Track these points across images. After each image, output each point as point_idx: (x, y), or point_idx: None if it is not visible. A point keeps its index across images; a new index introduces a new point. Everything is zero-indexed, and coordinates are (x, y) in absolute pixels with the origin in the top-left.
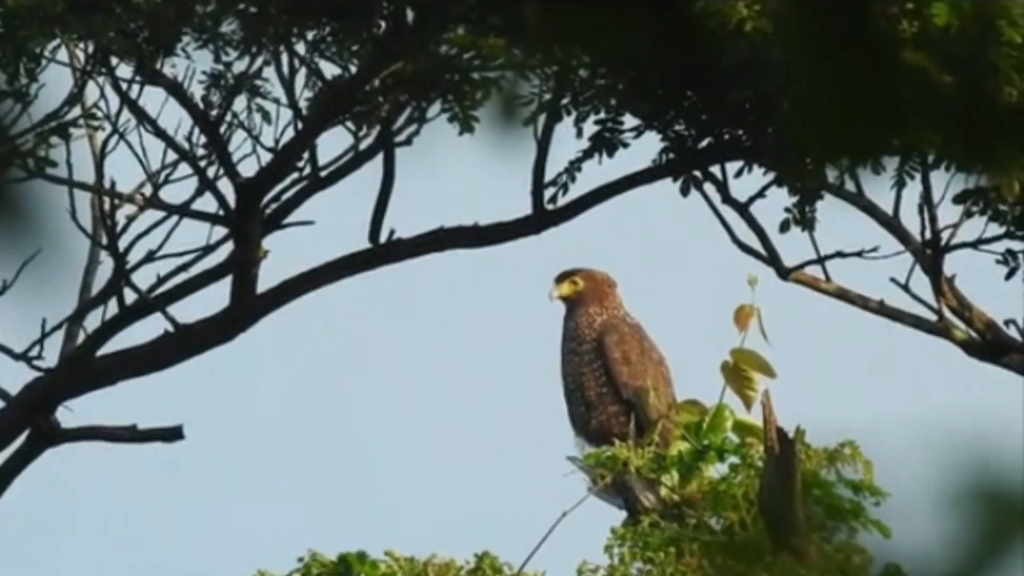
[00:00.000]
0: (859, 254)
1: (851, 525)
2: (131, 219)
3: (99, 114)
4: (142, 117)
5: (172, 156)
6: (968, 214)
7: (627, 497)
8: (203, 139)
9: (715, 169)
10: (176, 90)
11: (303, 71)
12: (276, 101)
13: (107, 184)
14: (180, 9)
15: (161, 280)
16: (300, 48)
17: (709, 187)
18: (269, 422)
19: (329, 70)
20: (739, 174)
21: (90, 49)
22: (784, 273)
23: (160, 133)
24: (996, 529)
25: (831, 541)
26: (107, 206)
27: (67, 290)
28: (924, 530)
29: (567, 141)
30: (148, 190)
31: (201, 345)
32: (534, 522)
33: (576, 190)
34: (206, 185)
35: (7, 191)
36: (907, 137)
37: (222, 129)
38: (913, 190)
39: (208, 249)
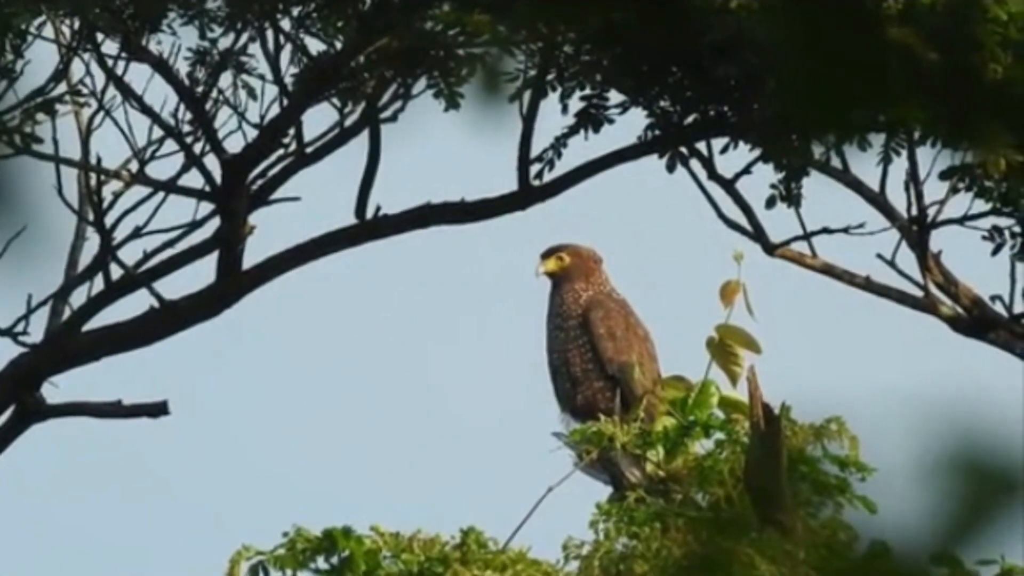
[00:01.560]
0: (845, 230)
1: (837, 501)
2: (117, 195)
3: (85, 90)
4: (128, 93)
5: (158, 132)
6: (954, 190)
7: (613, 473)
8: (189, 115)
9: (701, 145)
10: (162, 66)
11: (288, 47)
12: (261, 77)
13: (93, 160)
14: None
15: (147, 256)
16: (285, 24)
17: (695, 163)
18: (255, 397)
19: (314, 46)
20: (725, 150)
21: (76, 25)
22: (770, 249)
23: (146, 109)
24: (980, 503)
25: (817, 517)
26: (93, 182)
27: (53, 266)
28: (910, 504)
29: (553, 117)
30: (134, 166)
31: (187, 321)
32: (519, 497)
33: (562, 166)
34: (192, 161)
35: None
36: (893, 113)
37: (208, 105)
38: (899, 166)
39: (194, 225)
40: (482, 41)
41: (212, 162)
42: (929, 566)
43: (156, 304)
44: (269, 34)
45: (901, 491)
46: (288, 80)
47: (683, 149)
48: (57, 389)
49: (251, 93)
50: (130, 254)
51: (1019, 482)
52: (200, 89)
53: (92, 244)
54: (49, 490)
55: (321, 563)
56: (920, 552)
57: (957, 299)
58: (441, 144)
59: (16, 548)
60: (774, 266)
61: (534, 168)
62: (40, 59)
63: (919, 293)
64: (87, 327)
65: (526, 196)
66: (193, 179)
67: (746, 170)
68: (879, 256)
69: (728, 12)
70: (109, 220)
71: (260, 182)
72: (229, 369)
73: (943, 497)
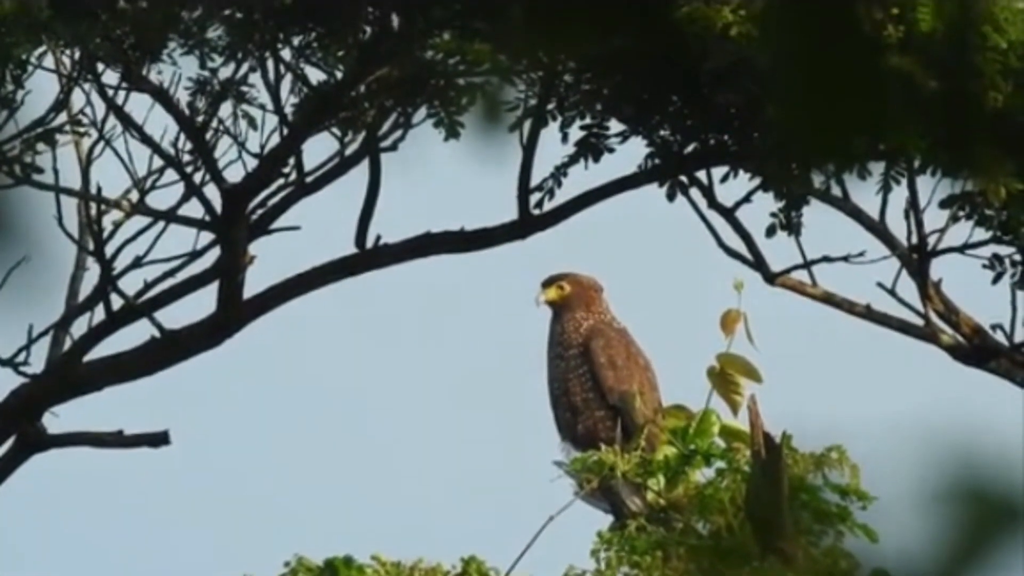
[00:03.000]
0: (845, 259)
1: (838, 529)
2: (117, 225)
3: (85, 120)
4: (128, 123)
5: (158, 162)
6: (954, 219)
7: (613, 501)
8: (189, 145)
9: (701, 174)
10: (162, 96)
11: (289, 77)
12: (262, 107)
13: (93, 190)
14: (166, 15)
15: (148, 286)
16: (286, 54)
17: (695, 192)
18: (256, 426)
19: (315, 76)
20: (725, 179)
21: (76, 55)
22: (770, 278)
23: (146, 139)
24: (982, 533)
25: (818, 545)
26: (93, 212)
27: (53, 296)
28: (911, 533)
29: (553, 146)
30: (134, 196)
31: (188, 351)
32: (521, 526)
33: (562, 195)
34: (192, 191)
35: None
36: (893, 142)
37: (208, 135)
38: (899, 195)
39: (195, 255)
40: (482, 70)
41: (212, 192)
42: None
43: (157, 334)
44: (269, 64)
45: (902, 520)
46: (288, 109)
47: (683, 178)
48: (58, 419)
49: (251, 123)
50: (131, 284)
51: (1020, 511)
52: (200, 119)
53: (93, 274)
54: (49, 520)
55: None
56: None
57: (958, 328)
58: (441, 173)
59: None
60: (774, 295)
61: (534, 197)
62: (40, 89)
63: (920, 322)
64: (88, 357)
65: (526, 225)
66: (193, 209)
67: (746, 199)
68: (879, 285)
69: (728, 39)
70: (109, 250)
71: (260, 211)
72: (230, 398)
73: (944, 526)
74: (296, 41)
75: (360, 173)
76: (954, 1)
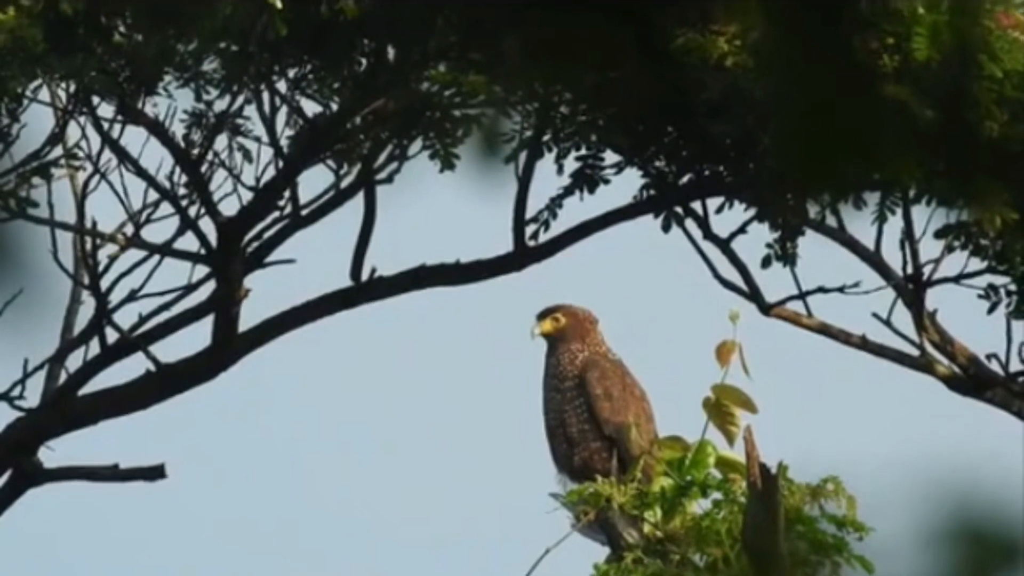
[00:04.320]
0: (841, 289)
1: (834, 560)
2: (113, 259)
3: (80, 154)
4: (123, 156)
5: (153, 195)
6: (950, 248)
7: (610, 533)
8: (184, 178)
9: (696, 205)
10: (157, 129)
11: (284, 109)
12: (257, 139)
13: (89, 224)
14: (161, 48)
15: (143, 319)
16: (281, 86)
17: (690, 223)
18: (252, 460)
19: (310, 108)
20: (720, 210)
21: (71, 89)
22: (766, 308)
23: (141, 172)
24: (978, 565)
25: None
26: (89, 246)
27: (49, 330)
28: (907, 566)
29: (548, 177)
30: (130, 229)
31: (183, 384)
32: (517, 558)
33: (557, 227)
34: (187, 224)
35: None
36: (888, 171)
37: (203, 168)
38: (895, 225)
39: (190, 288)
40: (477, 102)
41: (208, 225)
42: None
43: (152, 368)
44: (265, 96)
45: (898, 551)
46: (284, 142)
47: (678, 209)
48: (54, 453)
49: (247, 155)
50: (126, 317)
51: (1016, 544)
52: (196, 151)
53: (88, 308)
54: (44, 554)
55: None
56: None
57: (953, 358)
58: (437, 205)
59: None
60: (770, 326)
61: (530, 228)
62: (36, 122)
63: (915, 352)
64: (84, 391)
65: (522, 257)
66: (188, 242)
67: (741, 229)
68: (875, 315)
69: (723, 70)
70: (105, 283)
71: (255, 244)
72: (227, 431)
73: (940, 559)
74: (291, 73)
75: (355, 205)
76: (951, 31)
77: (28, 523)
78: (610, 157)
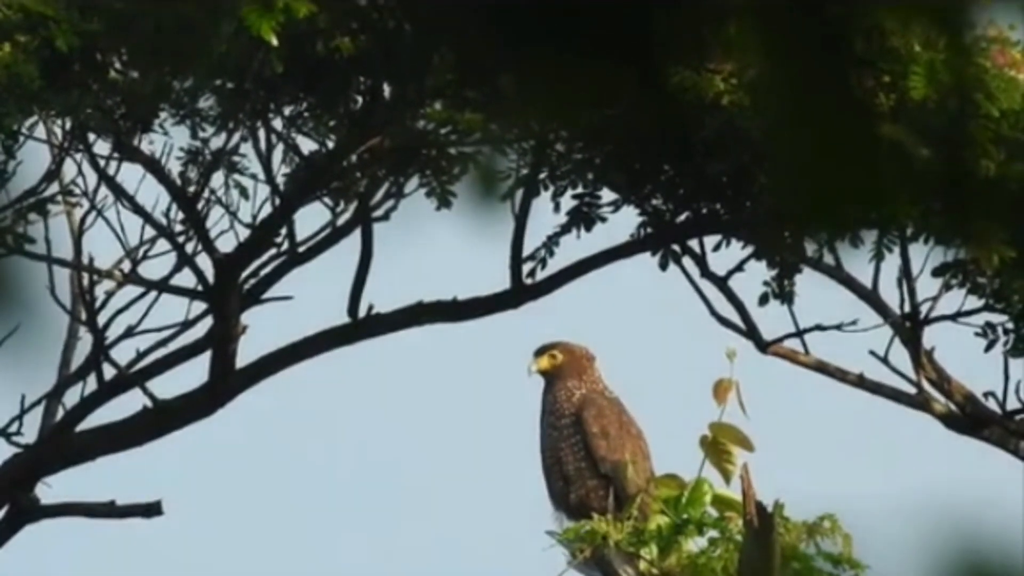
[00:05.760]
0: (838, 327)
1: None
2: (110, 295)
3: (77, 191)
4: (120, 193)
5: (150, 232)
6: (947, 287)
7: (606, 571)
8: (181, 215)
9: (693, 243)
10: (154, 166)
11: (280, 146)
12: (253, 177)
13: (86, 260)
14: (157, 85)
15: (140, 355)
16: (277, 123)
17: (687, 261)
18: (248, 496)
19: (306, 145)
20: (717, 248)
21: (67, 126)
22: (763, 346)
23: (138, 209)
24: None
25: None
26: (86, 282)
27: (46, 365)
28: None
29: (545, 215)
30: (127, 266)
31: (180, 420)
32: None
33: (554, 264)
34: (184, 261)
35: None
36: (886, 210)
37: (200, 205)
38: (892, 263)
39: (187, 324)
40: (474, 140)
41: (204, 261)
42: None
43: (149, 404)
44: (261, 133)
45: None
46: (280, 179)
47: (675, 247)
48: (51, 489)
49: (243, 192)
50: (123, 353)
51: None
52: (192, 189)
53: (85, 344)
54: None
55: None
56: None
57: (950, 396)
58: (433, 243)
59: None
60: (767, 363)
61: (527, 266)
62: (32, 159)
63: (912, 390)
64: (81, 427)
65: (518, 294)
66: (185, 278)
67: (739, 267)
68: (872, 353)
69: (719, 108)
70: (102, 319)
71: (252, 281)
72: (223, 468)
73: None
74: (287, 111)
75: (352, 243)
76: (948, 69)
77: (25, 560)
78: (607, 195)
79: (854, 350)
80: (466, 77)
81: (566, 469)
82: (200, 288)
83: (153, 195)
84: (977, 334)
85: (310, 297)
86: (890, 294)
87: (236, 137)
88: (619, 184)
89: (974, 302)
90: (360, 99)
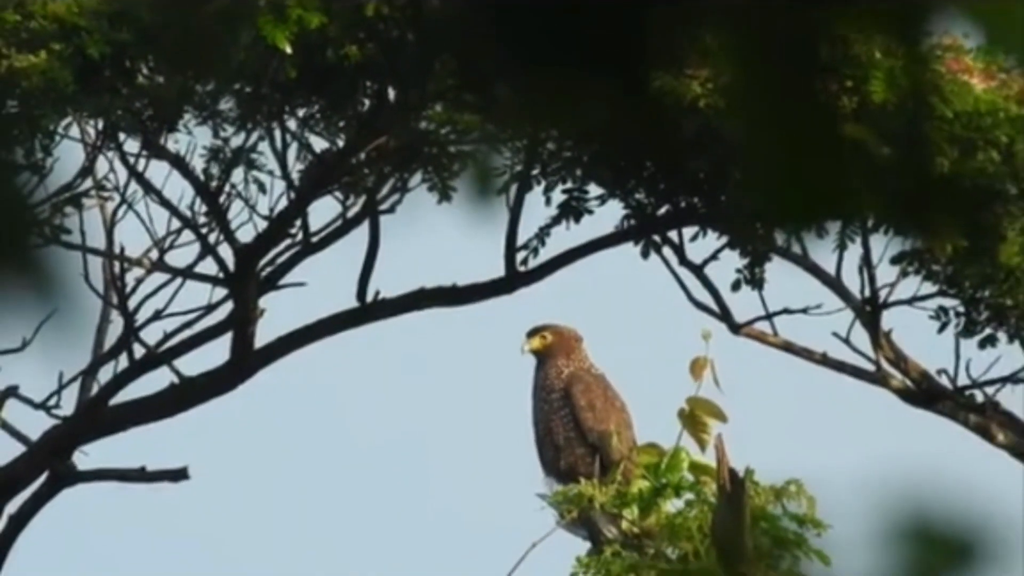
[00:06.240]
0: (804, 310)
1: (795, 554)
2: (139, 281)
3: (109, 185)
4: (148, 188)
5: (176, 224)
6: (904, 274)
7: (591, 530)
8: (204, 208)
9: (672, 234)
10: (179, 163)
11: (295, 145)
12: (270, 173)
13: (117, 249)
14: (181, 89)
15: (167, 336)
16: (292, 124)
17: (667, 250)
18: (266, 462)
19: (318, 144)
20: (694, 238)
21: (100, 126)
22: (735, 328)
23: (165, 203)
24: (926, 561)
25: (777, 569)
26: (117, 269)
27: (81, 346)
28: (862, 561)
29: (537, 209)
30: (154, 255)
31: (204, 395)
32: (507, 552)
33: (546, 253)
34: (207, 250)
35: (27, 257)
36: (851, 205)
37: (221, 199)
38: (854, 252)
39: (209, 308)
40: (472, 139)
41: (225, 250)
42: None
43: (176, 380)
44: (277, 133)
45: (854, 548)
46: (295, 175)
47: (656, 237)
48: (87, 456)
49: (261, 187)
50: (151, 335)
51: (961, 542)
52: (214, 184)
53: (116, 326)
54: (76, 547)
55: None
56: None
57: (906, 373)
58: (435, 234)
59: None
60: (739, 344)
61: (520, 255)
62: (67, 157)
63: (871, 368)
64: (113, 401)
65: (512, 281)
66: (208, 266)
67: (714, 256)
68: (835, 334)
69: (697, 111)
70: (132, 304)
71: (269, 269)
72: (243, 437)
73: (892, 554)
74: (301, 113)
75: (361, 233)
76: (905, 75)
77: (63, 521)
78: (594, 190)
79: (818, 332)
80: (465, 82)
81: (556, 439)
82: (221, 275)
83: (178, 190)
84: (931, 317)
85: (322, 283)
86: (852, 280)
87: (254, 136)
88: (605, 180)
89: (928, 288)
90: (367, 102)
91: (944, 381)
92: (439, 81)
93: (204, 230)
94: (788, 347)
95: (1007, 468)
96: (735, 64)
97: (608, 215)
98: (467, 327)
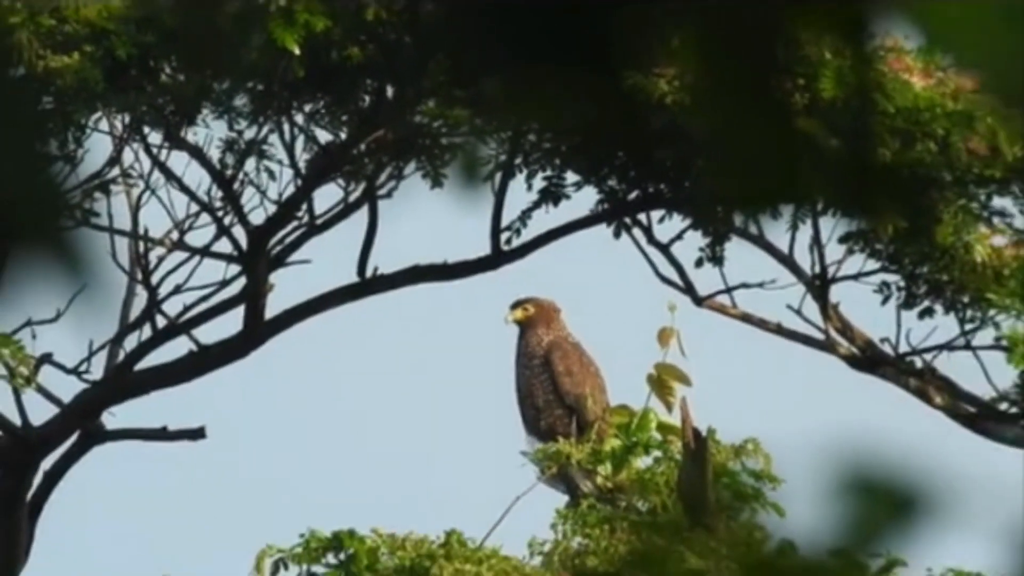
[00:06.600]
0: (760, 285)
1: (753, 507)
2: (161, 259)
3: (134, 174)
4: (169, 176)
5: (194, 208)
6: (850, 252)
7: (569, 484)
8: (220, 193)
9: (642, 216)
10: (197, 153)
11: (302, 137)
12: (280, 162)
13: (141, 231)
14: (200, 87)
15: (186, 309)
16: (299, 119)
17: (637, 231)
18: (276, 422)
19: (323, 136)
20: (661, 220)
21: (126, 120)
22: (698, 301)
23: (184, 189)
24: (871, 512)
25: (737, 520)
26: (141, 249)
27: (109, 317)
28: (813, 512)
29: (519, 194)
30: (175, 235)
31: (219, 362)
32: (493, 504)
33: (527, 234)
34: (222, 231)
35: (60, 237)
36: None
37: (235, 185)
38: (805, 232)
39: (224, 283)
40: (462, 131)
41: (239, 232)
42: (826, 559)
43: (194, 348)
44: (286, 127)
45: (806, 500)
46: (302, 164)
47: (627, 220)
48: (114, 417)
49: (271, 175)
50: (172, 307)
51: (902, 495)
52: (229, 172)
53: (141, 299)
54: (106, 497)
55: (331, 559)
56: (820, 548)
57: (853, 342)
58: (428, 216)
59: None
60: (702, 315)
61: (504, 235)
62: (97, 148)
63: (821, 337)
64: (138, 367)
65: (497, 258)
66: (223, 246)
67: (679, 236)
68: (788, 306)
69: (664, 106)
70: (154, 279)
71: (278, 248)
72: (255, 399)
73: (840, 506)
74: (307, 108)
75: (361, 216)
76: (852, 73)
77: (93, 475)
78: (571, 177)
79: (773, 304)
80: (455, 80)
81: (537, 401)
82: (235, 254)
83: (197, 177)
84: (875, 291)
85: (326, 261)
86: (803, 258)
87: (265, 129)
88: (581, 168)
89: (872, 264)
90: (368, 98)
91: (887, 349)
92: (432, 79)
93: (220, 213)
94: (746, 318)
95: (943, 428)
96: (699, 64)
97: (584, 200)
98: (457, 300)
